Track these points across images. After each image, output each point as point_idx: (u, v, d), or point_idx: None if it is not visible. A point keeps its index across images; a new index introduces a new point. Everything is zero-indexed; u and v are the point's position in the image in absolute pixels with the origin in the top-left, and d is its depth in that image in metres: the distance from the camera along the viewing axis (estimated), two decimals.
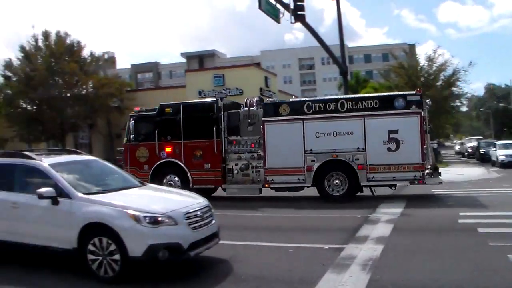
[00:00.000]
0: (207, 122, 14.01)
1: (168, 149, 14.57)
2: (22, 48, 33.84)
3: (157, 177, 14.26)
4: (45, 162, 7.20)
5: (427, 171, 12.29)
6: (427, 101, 14.24)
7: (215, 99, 14.49)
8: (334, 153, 12.93)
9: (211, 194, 14.68)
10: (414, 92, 12.69)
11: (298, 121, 13.21)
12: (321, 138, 13.04)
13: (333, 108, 12.99)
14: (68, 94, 33.96)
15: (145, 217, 6.12)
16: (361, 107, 12.72)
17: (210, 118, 14.00)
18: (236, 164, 14.03)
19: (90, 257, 6.31)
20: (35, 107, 34.64)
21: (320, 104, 13.14)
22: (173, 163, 14.43)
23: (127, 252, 6.06)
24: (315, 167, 13.03)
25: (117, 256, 6.15)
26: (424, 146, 12.13)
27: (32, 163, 7.23)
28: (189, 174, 14.21)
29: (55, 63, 33.22)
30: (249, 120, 13.81)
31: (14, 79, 34.38)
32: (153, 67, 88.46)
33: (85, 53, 35.46)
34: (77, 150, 8.85)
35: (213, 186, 14.54)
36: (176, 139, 14.44)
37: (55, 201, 6.61)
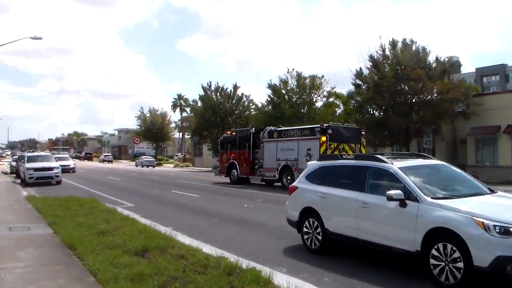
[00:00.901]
0: (244, 141, 27.56)
1: (232, 155, 28.64)
2: (371, 58, 36.29)
3: (228, 171, 28.94)
4: (396, 165, 7.54)
5: None
6: (329, 130, 22.29)
7: (252, 128, 28.37)
8: (286, 161, 24.12)
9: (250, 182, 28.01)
10: (319, 125, 22.98)
11: (275, 142, 25.18)
12: (283, 152, 24.43)
13: (287, 134, 24.51)
14: (414, 100, 34.53)
15: (495, 226, 5.92)
16: (297, 134, 23.91)
17: (245, 139, 27.63)
18: (256, 165, 26.89)
19: (432, 262, 6.41)
20: (381, 113, 36.67)
21: (283, 132, 24.97)
22: (233, 163, 28.49)
23: (471, 261, 5.97)
24: (278, 169, 24.58)
25: (460, 264, 6.12)
26: None
27: (384, 166, 7.66)
28: (237, 169, 28.12)
29: (401, 70, 34.32)
30: (262, 140, 26.30)
31: (364, 87, 37.31)
32: (499, 69, 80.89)
33: (431, 58, 35.42)
34: (425, 155, 9.02)
35: (246, 176, 27.76)
36: (234, 150, 28.43)
37: (403, 204, 6.88)
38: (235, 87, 55.50)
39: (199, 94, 57.52)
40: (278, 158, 24.74)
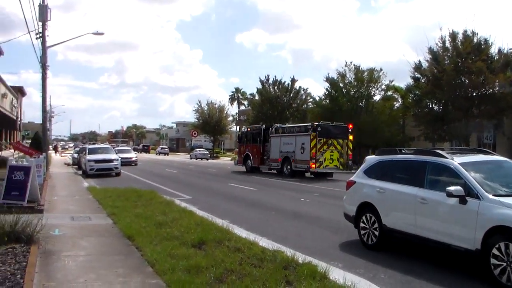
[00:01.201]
0: (257, 136, 32.26)
1: (247, 148, 33.43)
2: (430, 50, 35.34)
3: (244, 161, 33.99)
4: (456, 160, 7.36)
5: (316, 164, 26.76)
6: (318, 127, 27.13)
7: (263, 125, 34.00)
8: (287, 153, 28.90)
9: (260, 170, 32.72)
10: (311, 124, 27.91)
11: (279, 137, 29.89)
12: (284, 145, 29.12)
13: (288, 131, 29.69)
14: (474, 94, 33.24)
15: None
16: (295, 130, 29.12)
17: (257, 134, 32.20)
18: (265, 156, 31.72)
19: (493, 261, 6.20)
20: (441, 107, 35.68)
21: (286, 129, 30.33)
22: (248, 155, 33.46)
23: None
24: (280, 160, 29.43)
25: None
26: (312, 151, 26.56)
27: (443, 161, 7.48)
28: (251, 160, 32.94)
29: (461, 63, 33.14)
30: (269, 136, 31.14)
31: (423, 80, 36.37)
32: None
33: (493, 50, 33.84)
34: (487, 150, 8.73)
35: (257, 166, 32.52)
36: (249, 143, 33.24)
37: (463, 200, 6.70)
38: (293, 81, 55.42)
39: (257, 88, 58.07)
40: (280, 150, 29.95)
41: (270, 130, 31.40)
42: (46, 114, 29.27)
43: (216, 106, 78.01)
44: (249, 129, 35.56)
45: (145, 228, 9.47)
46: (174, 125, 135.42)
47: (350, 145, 27.91)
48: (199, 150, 73.43)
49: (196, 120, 78.99)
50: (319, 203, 16.00)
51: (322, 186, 22.47)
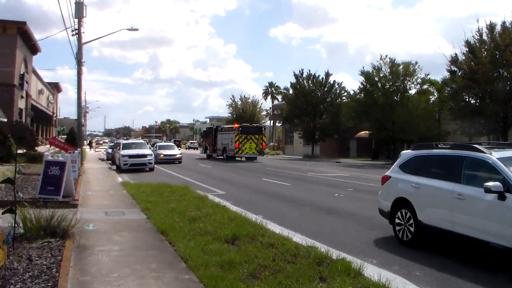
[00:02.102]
0: (209, 132, 47.49)
1: (206, 141, 48.92)
2: (467, 43, 34.67)
3: (205, 151, 48.89)
4: (494, 155, 7.14)
5: (239, 151, 41.55)
6: (240, 128, 42.23)
7: (214, 126, 51.70)
8: (225, 145, 43.29)
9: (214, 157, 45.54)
10: (235, 126, 43.44)
11: (221, 134, 44.75)
12: (224, 139, 43.71)
13: (226, 130, 45.03)
14: None
15: None
16: (229, 130, 44.35)
17: (210, 132, 47.37)
18: (215, 147, 46.02)
19: None
20: (478, 101, 34.88)
21: (225, 129, 45.96)
22: (207, 146, 48.45)
23: None
24: (222, 149, 44.18)
25: None
26: (236, 143, 41.01)
27: (481, 156, 7.27)
28: (208, 149, 47.56)
29: (499, 56, 32.16)
30: (217, 133, 46.46)
31: (459, 73, 35.59)
32: None
33: None
34: None
35: (211, 154, 46.88)
36: (207, 138, 48.88)
37: (502, 197, 6.48)
38: (327, 75, 54.96)
39: (291, 82, 57.82)
40: (222, 143, 44.59)
41: (217, 129, 47.26)
42: (81, 109, 29.90)
43: (250, 100, 77.99)
44: (206, 128, 52.10)
45: (178, 223, 9.52)
46: (208, 120, 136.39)
47: (264, 139, 44.02)
48: None
49: (230, 115, 79.11)
50: (354, 198, 15.83)
51: (356, 181, 22.24)
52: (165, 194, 14.51)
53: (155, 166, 30.04)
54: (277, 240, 7.87)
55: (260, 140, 42.74)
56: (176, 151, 38.52)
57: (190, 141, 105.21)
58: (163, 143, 45.82)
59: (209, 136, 48.52)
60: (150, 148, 32.65)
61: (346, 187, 19.60)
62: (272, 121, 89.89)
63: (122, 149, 29.88)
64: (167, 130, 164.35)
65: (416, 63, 44.27)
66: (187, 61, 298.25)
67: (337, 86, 54.82)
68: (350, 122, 50.25)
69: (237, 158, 42.92)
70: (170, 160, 36.11)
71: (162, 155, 35.20)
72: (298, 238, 8.47)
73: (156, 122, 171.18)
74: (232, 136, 42.37)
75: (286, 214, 12.25)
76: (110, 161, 35.78)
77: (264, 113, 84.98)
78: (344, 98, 53.65)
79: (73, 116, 55.19)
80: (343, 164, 40.06)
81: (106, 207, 12.46)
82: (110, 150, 40.15)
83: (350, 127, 52.03)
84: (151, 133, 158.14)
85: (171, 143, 46.61)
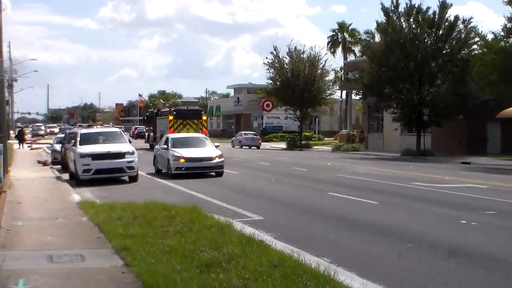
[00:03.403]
0: (151, 118, 76.59)
1: (150, 128, 77.80)
2: None
3: (148, 140, 77.71)
4: None
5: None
6: (174, 112, 65.66)
7: (154, 109, 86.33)
8: (163, 132, 62.33)
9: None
10: (169, 109, 75.48)
11: (159, 119, 70.24)
12: (161, 125, 68.30)
13: (164, 114, 70.59)
14: None
15: None
16: (165, 114, 70.50)
17: (150, 116, 79.36)
18: (156, 135, 71.13)
19: None
20: None
21: (162, 113, 73.37)
22: (150, 134, 77.45)
23: None
24: (161, 137, 55.14)
25: None
26: (170, 129, 60.63)
27: None
28: (151, 138, 73.85)
29: None
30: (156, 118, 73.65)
31: None
32: None
33: None
34: None
35: (152, 143, 70.04)
36: (150, 124, 78.39)
37: None
38: (443, 6, 54.07)
39: (377, 22, 57.38)
40: (160, 130, 63.92)
41: (158, 113, 68.35)
42: (2, 73, 30.31)
43: (305, 56, 78.22)
44: (147, 112, 68.73)
45: (182, 273, 9.59)
46: (231, 92, 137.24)
47: (205, 124, 63.11)
48: (245, 134, 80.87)
49: (271, 82, 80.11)
50: (494, 228, 15.77)
51: (501, 198, 21.88)
52: (158, 222, 14.68)
53: (139, 174, 30.52)
54: None
55: (200, 125, 61.42)
56: (212, 151, 34.12)
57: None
58: (185, 135, 41.79)
59: (150, 122, 72.08)
60: (130, 142, 32.91)
61: (482, 207, 19.64)
62: (344, 93, 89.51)
63: (81, 144, 30.30)
64: (161, 108, 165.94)
65: None
66: None
67: (462, 26, 54.06)
68: (488, 91, 49.40)
69: None
70: (204, 168, 32.97)
71: (183, 159, 33.55)
72: None
73: (141, 95, 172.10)
74: (167, 121, 62.05)
75: (373, 256, 12.31)
76: (59, 166, 36.25)
77: (331, 77, 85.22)
78: (476, 47, 53.08)
79: None
80: (475, 167, 40.14)
81: (50, 247, 12.61)
82: (58, 146, 41.03)
83: (488, 100, 51.38)
84: (133, 114, 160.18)
85: (200, 135, 41.33)
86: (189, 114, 62.09)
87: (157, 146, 39.83)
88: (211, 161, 32.84)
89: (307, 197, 23.08)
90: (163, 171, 34.01)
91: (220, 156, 33.08)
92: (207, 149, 34.33)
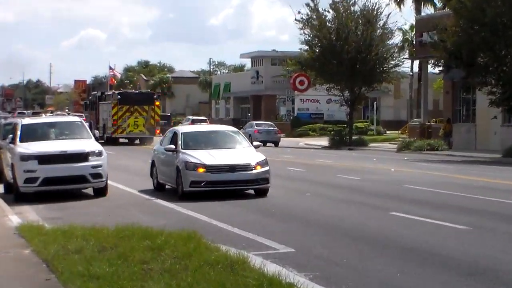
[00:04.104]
0: (94, 103, 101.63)
1: (91, 116, 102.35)
2: None
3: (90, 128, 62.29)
4: None
5: (119, 130, 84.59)
6: (118, 96, 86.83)
7: (98, 92, 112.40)
8: (105, 121, 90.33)
9: None
10: (112, 92, 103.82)
11: (102, 104, 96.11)
12: (103, 112, 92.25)
13: (107, 99, 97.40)
14: None
15: None
16: (108, 98, 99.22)
17: (92, 101, 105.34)
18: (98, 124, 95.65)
19: None
20: None
21: (105, 96, 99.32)
22: (91, 124, 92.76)
23: None
24: (102, 127, 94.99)
25: None
26: (114, 118, 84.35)
27: None
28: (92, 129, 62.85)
29: None
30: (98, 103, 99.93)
31: None
32: None
33: None
34: None
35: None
36: (92, 111, 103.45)
37: None
38: None
39: None
40: (102, 118, 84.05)
41: (101, 97, 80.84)
42: None
43: (357, 8, 78.83)
44: (90, 96, 74.76)
45: None
46: (248, 63, 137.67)
47: (158, 111, 76.45)
48: (257, 125, 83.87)
49: (306, 49, 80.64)
50: None
51: None
52: (137, 257, 14.72)
53: (108, 184, 30.73)
54: None
55: (151, 113, 72.13)
56: (247, 151, 32.90)
57: (192, 117, 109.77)
58: (198, 130, 38.92)
59: (93, 109, 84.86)
60: (94, 137, 32.95)
61: None
62: (417, 64, 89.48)
63: (22, 141, 30.58)
64: (142, 88, 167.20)
65: None
66: None
67: None
68: None
69: (121, 141, 64.91)
70: (234, 186, 30.90)
71: (203, 168, 31.88)
72: None
73: (112, 69, 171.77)
74: (109, 108, 71.72)
75: None
76: None
77: (396, 40, 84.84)
78: None
79: None
80: None
81: None
82: None
83: None
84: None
85: (227, 128, 39.66)
86: (137, 98, 73.10)
87: (157, 146, 36.39)
88: (249, 171, 29.39)
89: (358, 218, 23.32)
90: (168, 186, 31.72)
91: (263, 163, 29.92)
92: (242, 151, 31.59)
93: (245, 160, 29.92)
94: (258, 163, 29.63)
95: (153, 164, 34.29)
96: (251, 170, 29.46)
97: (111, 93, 77.68)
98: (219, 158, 29.73)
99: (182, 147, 30.69)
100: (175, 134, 33.32)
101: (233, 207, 26.92)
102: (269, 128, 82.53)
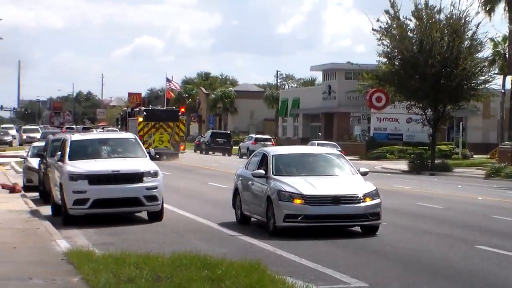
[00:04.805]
0: (124, 119, 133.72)
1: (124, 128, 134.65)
2: None
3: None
4: None
5: (144, 146, 51.60)
6: (144, 112, 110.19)
7: (128, 109, 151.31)
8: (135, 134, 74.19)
9: None
10: (139, 108, 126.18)
11: (131, 120, 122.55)
12: (132, 128, 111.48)
13: (133, 115, 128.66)
14: None
15: None
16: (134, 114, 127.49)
17: (123, 117, 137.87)
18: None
19: None
20: None
21: (135, 110, 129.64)
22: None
23: None
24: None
25: None
26: (140, 134, 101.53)
27: None
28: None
29: None
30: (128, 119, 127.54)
31: None
32: None
33: None
34: None
35: None
36: (123, 126, 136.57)
37: None
38: None
39: None
40: (132, 132, 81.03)
41: (131, 113, 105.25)
42: None
43: (443, 16, 78.38)
44: (121, 112, 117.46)
45: None
46: (319, 76, 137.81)
47: (183, 127, 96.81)
48: (256, 139, 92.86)
49: (385, 61, 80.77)
50: None
51: None
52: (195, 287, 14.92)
53: (164, 208, 30.90)
54: None
55: (176, 129, 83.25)
56: (352, 179, 30.58)
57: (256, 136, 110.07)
58: (291, 152, 35.30)
59: (123, 125, 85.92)
60: (150, 156, 33.10)
61: None
62: (510, 79, 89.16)
63: (72, 159, 30.91)
64: (202, 103, 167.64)
65: None
66: None
67: None
68: None
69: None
70: (338, 222, 28.55)
71: (300, 200, 29.37)
72: None
73: (170, 81, 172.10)
74: (135, 123, 72.92)
75: None
76: (36, 193, 37.38)
77: (487, 53, 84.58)
78: None
79: None
80: None
81: None
82: (35, 162, 42.25)
83: None
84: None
85: (324, 150, 40.18)
86: (163, 115, 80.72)
87: (241, 170, 33.22)
88: (357, 204, 26.82)
89: (440, 250, 23.26)
90: (254, 219, 29.64)
91: (373, 194, 27.38)
92: (346, 179, 29.00)
93: (351, 191, 27.43)
94: (367, 195, 27.09)
95: (236, 192, 31.99)
96: (359, 202, 26.87)
97: (138, 109, 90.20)
98: (319, 187, 27.30)
99: (274, 172, 28.65)
100: (264, 156, 30.96)
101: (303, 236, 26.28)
102: (266, 141, 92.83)
